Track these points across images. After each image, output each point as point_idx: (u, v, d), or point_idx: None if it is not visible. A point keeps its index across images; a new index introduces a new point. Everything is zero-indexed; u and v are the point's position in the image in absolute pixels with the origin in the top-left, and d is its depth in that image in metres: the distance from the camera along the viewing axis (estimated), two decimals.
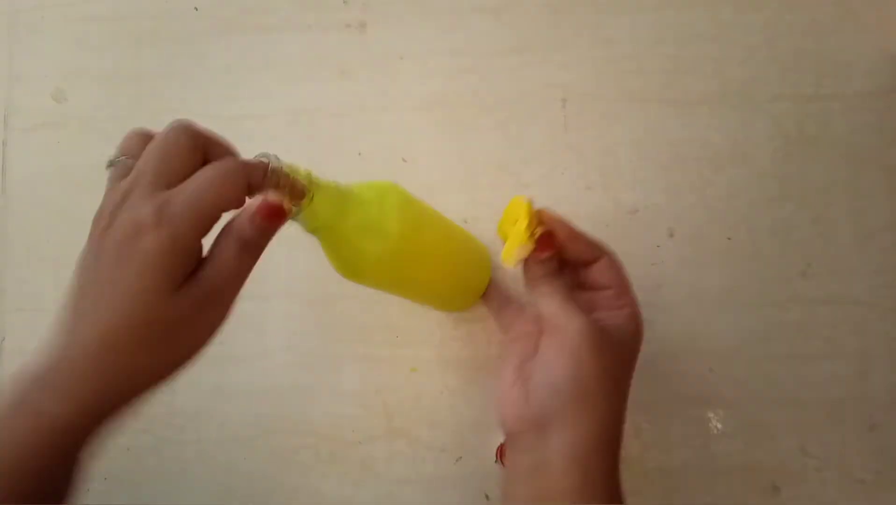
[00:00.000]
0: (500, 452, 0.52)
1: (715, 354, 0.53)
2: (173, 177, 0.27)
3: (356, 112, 0.60)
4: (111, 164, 0.30)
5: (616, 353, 0.34)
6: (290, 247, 0.60)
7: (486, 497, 0.53)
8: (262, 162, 0.29)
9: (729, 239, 0.54)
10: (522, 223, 0.35)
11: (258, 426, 0.57)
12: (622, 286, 0.36)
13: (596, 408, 0.31)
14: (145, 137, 0.29)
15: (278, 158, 0.30)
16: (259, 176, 0.28)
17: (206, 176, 0.27)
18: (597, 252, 0.36)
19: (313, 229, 0.34)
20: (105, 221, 0.27)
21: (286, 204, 0.29)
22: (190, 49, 0.63)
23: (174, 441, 0.57)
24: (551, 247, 0.35)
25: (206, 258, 0.28)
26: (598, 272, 0.36)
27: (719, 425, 0.53)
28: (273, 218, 0.29)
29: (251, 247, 0.29)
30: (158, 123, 0.61)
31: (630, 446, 0.53)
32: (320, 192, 0.32)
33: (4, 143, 0.65)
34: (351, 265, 0.37)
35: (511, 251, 0.35)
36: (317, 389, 0.57)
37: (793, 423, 0.52)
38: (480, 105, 0.58)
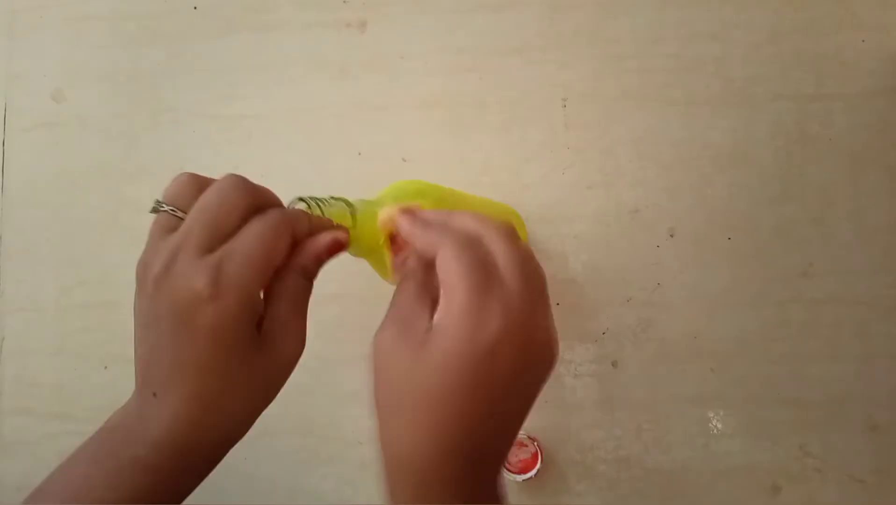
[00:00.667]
0: None
1: (715, 354, 0.53)
2: (223, 238, 0.27)
3: (356, 112, 0.59)
4: (155, 210, 0.29)
5: (414, 365, 0.27)
6: None
7: None
8: (303, 212, 0.30)
9: (730, 239, 0.54)
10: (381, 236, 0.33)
11: (258, 426, 0.57)
12: (447, 283, 0.27)
13: (386, 424, 0.28)
14: (197, 187, 0.29)
15: (316, 202, 0.30)
16: (303, 227, 0.29)
17: (255, 236, 0.27)
18: (434, 247, 0.29)
19: (357, 254, 0.34)
20: (153, 281, 0.27)
21: (344, 237, 0.30)
22: (190, 49, 0.63)
23: None
24: (399, 248, 0.32)
25: (274, 299, 0.29)
26: (438, 268, 0.28)
27: (719, 425, 0.53)
28: (337, 251, 0.30)
29: (311, 278, 0.30)
30: (158, 123, 0.62)
31: (630, 446, 0.53)
32: (358, 226, 0.32)
33: (4, 143, 0.65)
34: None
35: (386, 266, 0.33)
36: (317, 390, 0.57)
37: (793, 423, 0.52)
38: (480, 105, 0.58)
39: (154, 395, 0.28)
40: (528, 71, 0.58)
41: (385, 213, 0.32)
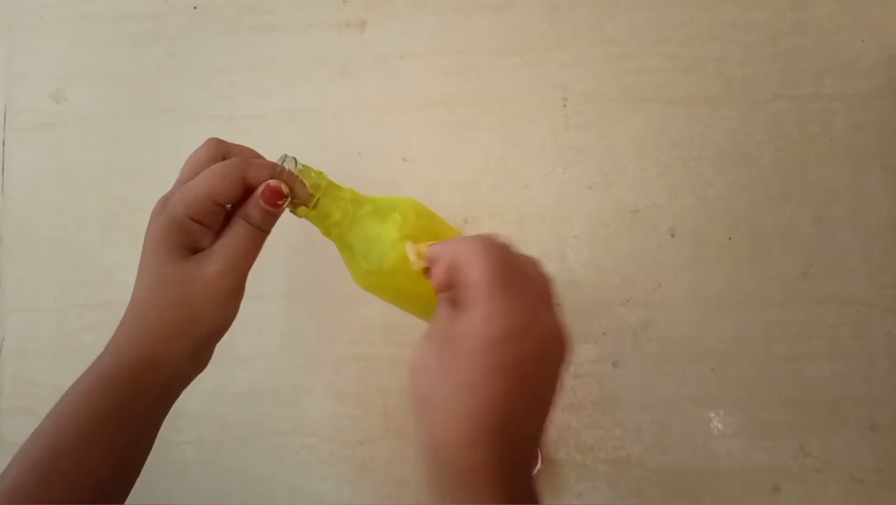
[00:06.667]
0: None
1: (715, 354, 0.53)
2: (186, 181, 0.34)
3: (356, 112, 0.60)
4: None
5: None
6: (289, 247, 0.60)
7: None
8: (263, 164, 0.34)
9: (730, 239, 0.54)
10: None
11: (258, 426, 0.57)
12: (471, 277, 0.30)
13: (425, 421, 0.30)
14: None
15: (294, 161, 0.34)
16: (259, 174, 0.34)
17: (201, 176, 0.33)
18: (459, 253, 0.31)
19: (327, 233, 0.35)
20: None
21: (285, 189, 0.34)
22: (190, 49, 0.63)
23: (174, 441, 0.57)
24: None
25: (219, 236, 0.35)
26: (463, 269, 0.31)
27: (719, 425, 0.53)
28: (273, 200, 0.34)
29: (256, 225, 0.34)
30: (158, 123, 0.62)
31: (630, 446, 0.53)
32: (328, 197, 0.35)
33: (4, 143, 0.65)
34: (361, 272, 0.37)
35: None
36: (317, 390, 0.57)
37: (793, 423, 0.52)
38: (481, 105, 0.58)
39: None
40: (528, 71, 0.58)
41: (413, 248, 0.34)
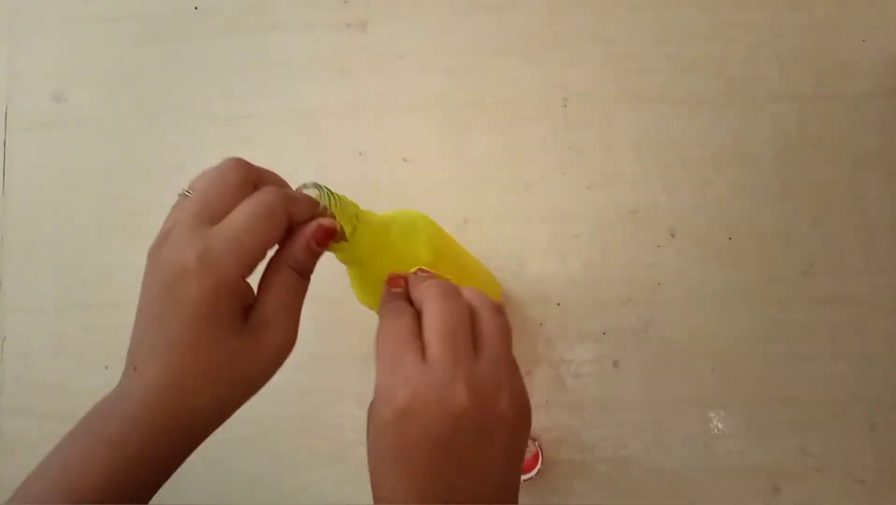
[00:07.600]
0: None
1: (715, 354, 0.53)
2: (217, 213, 0.27)
3: (356, 112, 0.60)
4: (180, 195, 0.29)
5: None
6: None
7: None
8: (304, 195, 0.29)
9: (730, 239, 0.54)
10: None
11: (258, 426, 0.57)
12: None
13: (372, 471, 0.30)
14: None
15: (329, 192, 0.29)
16: (302, 210, 0.28)
17: (246, 214, 0.26)
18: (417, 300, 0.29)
19: (346, 261, 0.34)
20: (148, 256, 0.27)
21: (339, 227, 0.29)
22: (190, 49, 0.63)
23: None
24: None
25: (263, 291, 0.28)
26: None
27: (719, 425, 0.53)
28: (327, 241, 0.29)
29: (306, 272, 0.29)
30: (158, 123, 0.62)
31: (630, 446, 0.53)
32: (359, 231, 0.31)
33: (5, 143, 0.65)
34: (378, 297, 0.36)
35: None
36: (317, 390, 0.57)
37: (793, 423, 0.52)
38: (481, 105, 0.58)
39: (135, 368, 0.27)
40: (528, 71, 0.58)
41: (413, 269, 0.32)
